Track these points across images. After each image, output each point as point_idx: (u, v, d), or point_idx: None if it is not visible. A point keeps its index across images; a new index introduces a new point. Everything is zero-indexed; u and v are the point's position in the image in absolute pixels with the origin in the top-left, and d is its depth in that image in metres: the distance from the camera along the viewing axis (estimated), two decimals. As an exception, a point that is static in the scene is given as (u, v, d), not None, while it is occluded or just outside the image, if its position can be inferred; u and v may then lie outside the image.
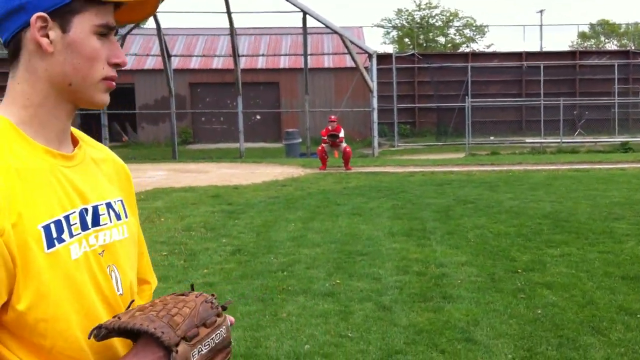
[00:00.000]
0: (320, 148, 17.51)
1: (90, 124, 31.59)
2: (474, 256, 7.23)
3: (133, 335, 1.16)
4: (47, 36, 1.19)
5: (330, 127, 17.43)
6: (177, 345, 1.12)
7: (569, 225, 8.71)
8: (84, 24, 1.21)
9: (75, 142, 1.34)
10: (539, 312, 5.33)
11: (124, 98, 29.78)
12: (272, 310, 5.51)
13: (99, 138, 25.29)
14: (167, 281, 6.48)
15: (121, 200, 1.37)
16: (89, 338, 1.15)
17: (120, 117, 29.52)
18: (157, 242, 8.31)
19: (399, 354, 4.54)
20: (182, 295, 1.24)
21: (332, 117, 18.07)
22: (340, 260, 7.15)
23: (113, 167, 1.42)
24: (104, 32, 1.25)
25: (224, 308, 1.26)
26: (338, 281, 6.34)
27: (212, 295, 1.26)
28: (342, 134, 17.44)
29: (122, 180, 1.44)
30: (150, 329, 1.12)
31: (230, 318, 1.27)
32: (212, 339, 1.18)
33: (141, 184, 14.61)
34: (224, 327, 1.22)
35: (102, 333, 1.14)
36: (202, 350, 1.16)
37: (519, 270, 6.60)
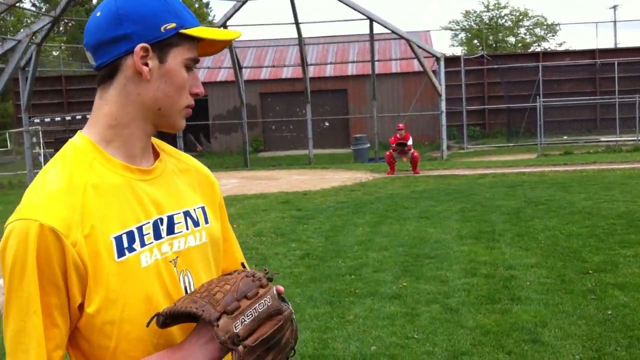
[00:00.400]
0: (388, 153, 17.54)
1: (166, 136, 32.59)
2: (544, 258, 7.16)
3: (189, 319, 1.28)
4: (146, 65, 1.32)
5: (398, 135, 17.44)
6: (218, 319, 1.22)
7: (644, 225, 8.49)
8: (177, 57, 1.35)
9: (157, 154, 1.46)
10: (609, 313, 5.26)
11: (197, 110, 30.50)
12: (339, 313, 5.63)
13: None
14: (238, 285, 6.69)
15: (202, 207, 1.47)
16: (147, 325, 1.27)
17: (194, 128, 30.35)
18: (230, 248, 8.57)
19: (464, 355, 4.58)
20: (228, 275, 1.35)
21: (400, 125, 18.10)
22: (407, 264, 7.21)
23: (196, 175, 1.52)
24: (191, 65, 1.39)
25: (270, 279, 1.35)
26: (405, 284, 6.41)
27: (264, 270, 1.37)
28: (410, 142, 17.43)
29: (204, 188, 1.52)
30: (193, 309, 1.24)
31: (278, 288, 1.35)
32: (254, 309, 1.27)
33: (214, 193, 15.03)
34: (268, 296, 1.30)
35: (160, 320, 1.27)
36: (245, 320, 1.25)
37: (590, 271, 6.50)
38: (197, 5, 52.34)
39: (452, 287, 6.22)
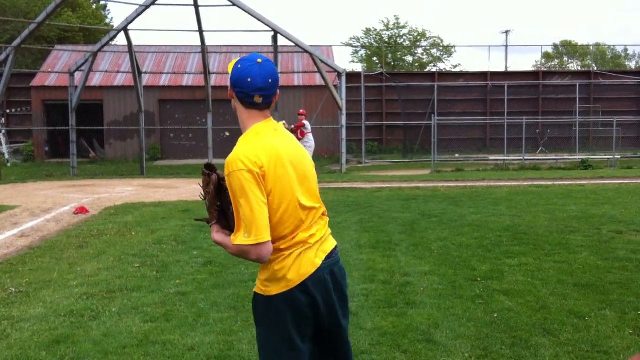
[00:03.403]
0: None
1: (57, 140, 31.49)
2: (437, 266, 7.57)
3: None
4: None
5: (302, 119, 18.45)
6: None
7: (527, 238, 9.12)
8: None
9: None
10: (495, 315, 5.67)
11: (92, 114, 29.76)
12: (244, 317, 5.75)
13: (67, 154, 25.20)
14: (140, 291, 6.69)
15: None
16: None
17: (87, 133, 29.48)
18: (129, 254, 8.50)
19: (364, 354, 4.83)
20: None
21: (302, 110, 19.01)
22: (308, 271, 7.41)
23: None
24: None
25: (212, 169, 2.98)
26: (307, 289, 6.60)
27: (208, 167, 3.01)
28: (308, 128, 18.39)
29: None
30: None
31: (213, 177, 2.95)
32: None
33: (111, 199, 14.73)
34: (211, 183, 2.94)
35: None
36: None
37: (479, 279, 6.95)
38: (94, 7, 50.91)
39: (352, 292, 6.47)
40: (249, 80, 2.77)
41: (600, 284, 6.64)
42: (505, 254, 8.11)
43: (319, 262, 2.87)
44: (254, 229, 2.66)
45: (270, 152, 2.78)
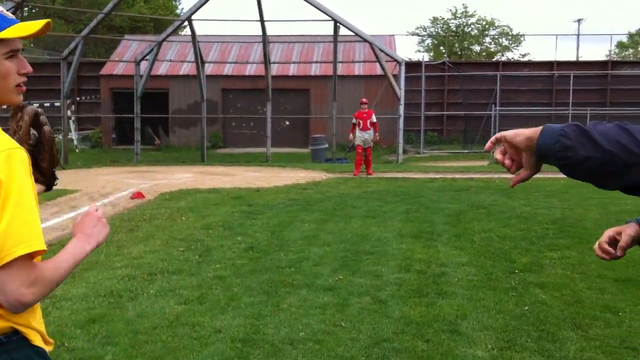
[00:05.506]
0: (360, 150, 17.45)
1: (124, 127, 32.45)
2: (476, 257, 7.51)
3: None
4: None
5: (363, 109, 17.67)
6: None
7: (574, 231, 8.91)
8: None
9: None
10: (526, 308, 5.60)
11: (158, 103, 30.52)
12: (274, 302, 5.87)
13: (133, 140, 25.98)
14: (180, 274, 6.90)
15: None
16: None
17: (153, 121, 30.24)
18: (176, 238, 8.75)
19: (385, 342, 4.86)
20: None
21: (364, 99, 18.39)
22: (346, 259, 7.49)
23: None
24: (12, 55, 1.80)
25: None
26: (341, 277, 6.68)
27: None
28: (374, 119, 17.75)
29: None
30: None
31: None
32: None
33: (168, 185, 15.12)
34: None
35: None
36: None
37: (516, 271, 6.86)
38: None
39: (384, 281, 6.51)
40: None
41: (642, 279, 6.46)
42: (549, 247, 7.96)
43: None
44: None
45: None
